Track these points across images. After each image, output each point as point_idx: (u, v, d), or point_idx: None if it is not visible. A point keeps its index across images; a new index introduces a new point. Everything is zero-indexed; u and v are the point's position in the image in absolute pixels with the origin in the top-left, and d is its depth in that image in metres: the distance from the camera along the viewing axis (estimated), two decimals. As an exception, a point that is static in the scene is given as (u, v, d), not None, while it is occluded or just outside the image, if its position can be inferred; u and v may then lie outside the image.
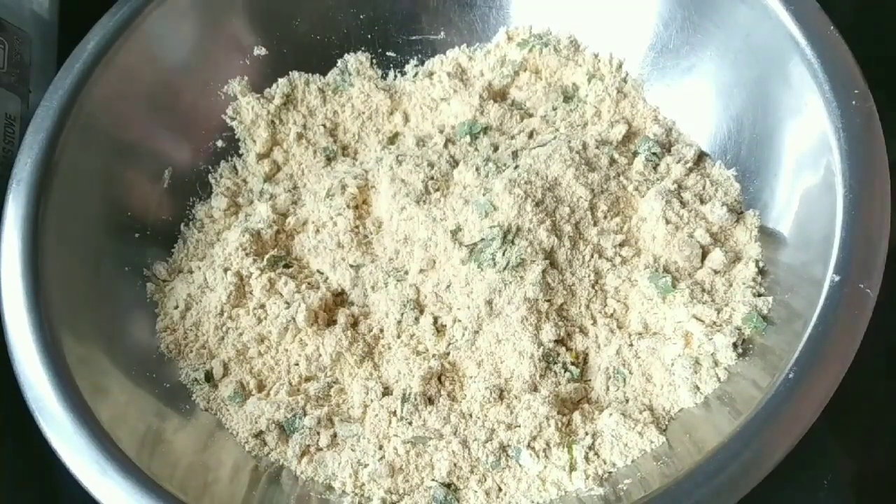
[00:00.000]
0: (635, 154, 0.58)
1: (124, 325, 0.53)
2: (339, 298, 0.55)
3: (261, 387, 0.52)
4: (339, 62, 0.66)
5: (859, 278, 0.43)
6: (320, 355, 0.52)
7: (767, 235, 0.52)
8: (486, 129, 0.60)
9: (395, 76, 0.66)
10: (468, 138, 0.60)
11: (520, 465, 0.47)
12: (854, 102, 0.47)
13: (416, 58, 0.66)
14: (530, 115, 0.62)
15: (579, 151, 0.55)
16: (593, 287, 0.52)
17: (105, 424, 0.45)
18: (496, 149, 0.59)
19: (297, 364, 0.52)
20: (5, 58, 0.57)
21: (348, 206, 0.57)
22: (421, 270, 0.54)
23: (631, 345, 0.50)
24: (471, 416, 0.49)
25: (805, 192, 0.49)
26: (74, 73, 0.54)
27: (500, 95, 0.63)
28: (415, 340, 0.53)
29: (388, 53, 0.66)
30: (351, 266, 0.55)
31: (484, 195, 0.53)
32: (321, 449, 0.50)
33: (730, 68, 0.56)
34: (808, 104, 0.49)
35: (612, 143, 0.58)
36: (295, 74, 0.65)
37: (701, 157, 0.57)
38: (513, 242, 0.51)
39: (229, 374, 0.53)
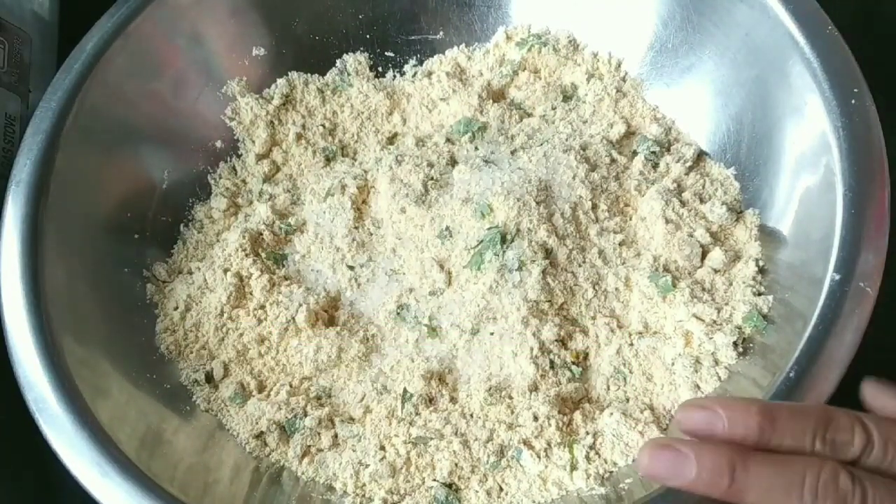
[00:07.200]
0: (635, 153, 0.58)
1: (124, 327, 0.53)
2: (339, 298, 0.55)
3: (261, 387, 0.52)
4: (338, 62, 0.66)
5: (860, 277, 0.43)
6: (321, 355, 0.52)
7: (767, 234, 0.52)
8: (483, 127, 0.60)
9: (394, 76, 0.66)
10: (468, 136, 0.59)
11: (521, 465, 0.47)
12: (854, 102, 0.47)
13: (414, 58, 0.66)
14: (529, 115, 0.62)
15: (579, 151, 0.55)
16: (593, 287, 0.52)
17: (105, 425, 0.45)
18: (496, 149, 0.59)
19: (297, 364, 0.52)
20: (5, 58, 0.57)
21: (348, 207, 0.57)
22: (420, 271, 0.54)
23: (631, 344, 0.50)
24: (471, 416, 0.49)
25: (805, 191, 0.50)
26: (74, 73, 0.54)
27: (499, 95, 0.63)
28: (415, 341, 0.53)
29: (386, 53, 0.66)
30: (350, 266, 0.55)
31: (483, 195, 0.53)
32: (322, 449, 0.50)
33: (729, 67, 0.56)
34: (808, 103, 0.49)
35: (612, 142, 0.58)
36: (294, 75, 0.65)
37: (700, 156, 0.57)
38: (512, 242, 0.51)
39: (230, 375, 0.53)
